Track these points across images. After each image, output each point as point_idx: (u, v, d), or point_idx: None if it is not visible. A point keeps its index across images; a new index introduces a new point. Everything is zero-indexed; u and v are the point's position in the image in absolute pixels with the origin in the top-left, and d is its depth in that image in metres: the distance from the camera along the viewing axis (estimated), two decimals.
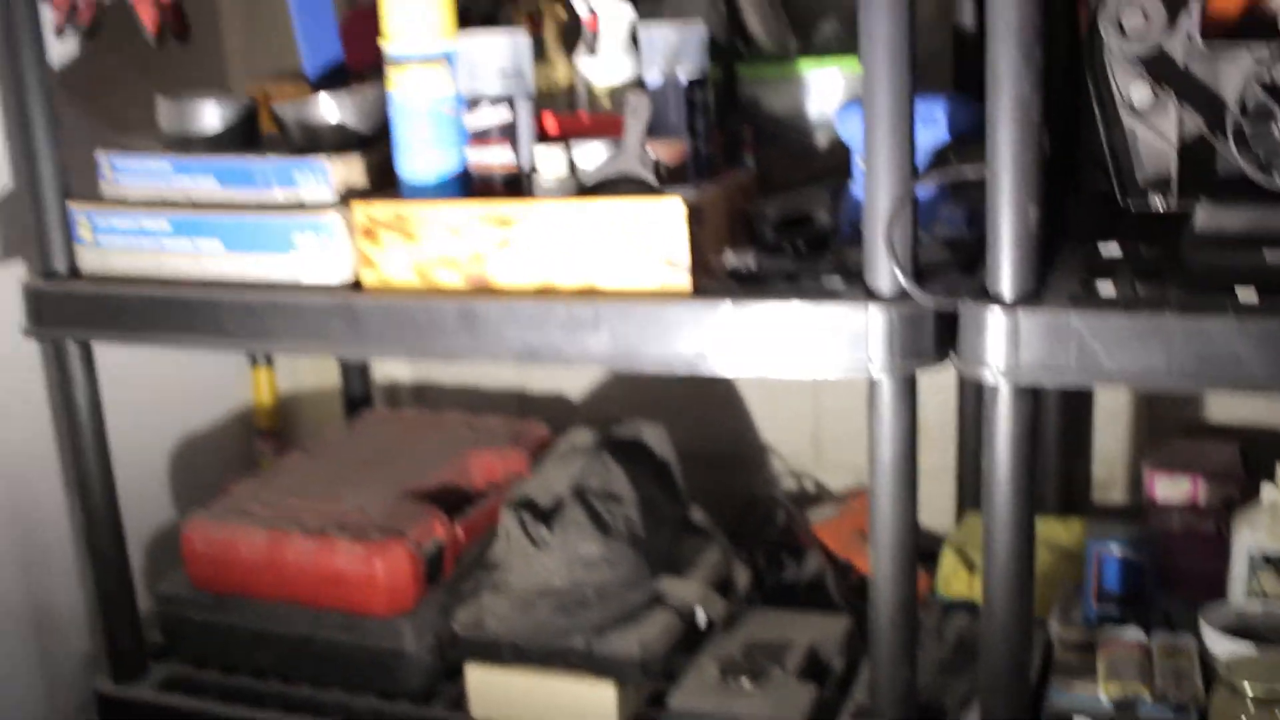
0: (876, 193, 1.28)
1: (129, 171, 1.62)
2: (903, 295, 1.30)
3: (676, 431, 1.93)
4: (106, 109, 2.01)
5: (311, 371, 2.38)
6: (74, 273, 1.65)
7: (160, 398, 2.15)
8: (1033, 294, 1.26)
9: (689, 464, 1.90)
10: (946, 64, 1.81)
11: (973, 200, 1.44)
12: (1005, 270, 1.25)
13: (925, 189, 1.44)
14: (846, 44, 1.73)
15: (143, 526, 2.11)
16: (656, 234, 1.36)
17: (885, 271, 1.30)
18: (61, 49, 1.91)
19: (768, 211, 1.52)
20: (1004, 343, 1.25)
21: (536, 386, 2.27)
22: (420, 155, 1.48)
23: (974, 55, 1.78)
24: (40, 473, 1.94)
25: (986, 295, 1.27)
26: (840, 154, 1.60)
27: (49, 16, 1.70)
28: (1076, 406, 1.95)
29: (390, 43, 1.47)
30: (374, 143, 1.57)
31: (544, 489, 1.70)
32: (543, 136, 1.53)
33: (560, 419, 2.12)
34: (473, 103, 1.46)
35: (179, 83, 2.05)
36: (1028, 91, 1.20)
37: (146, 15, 1.79)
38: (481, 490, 1.92)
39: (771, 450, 2.17)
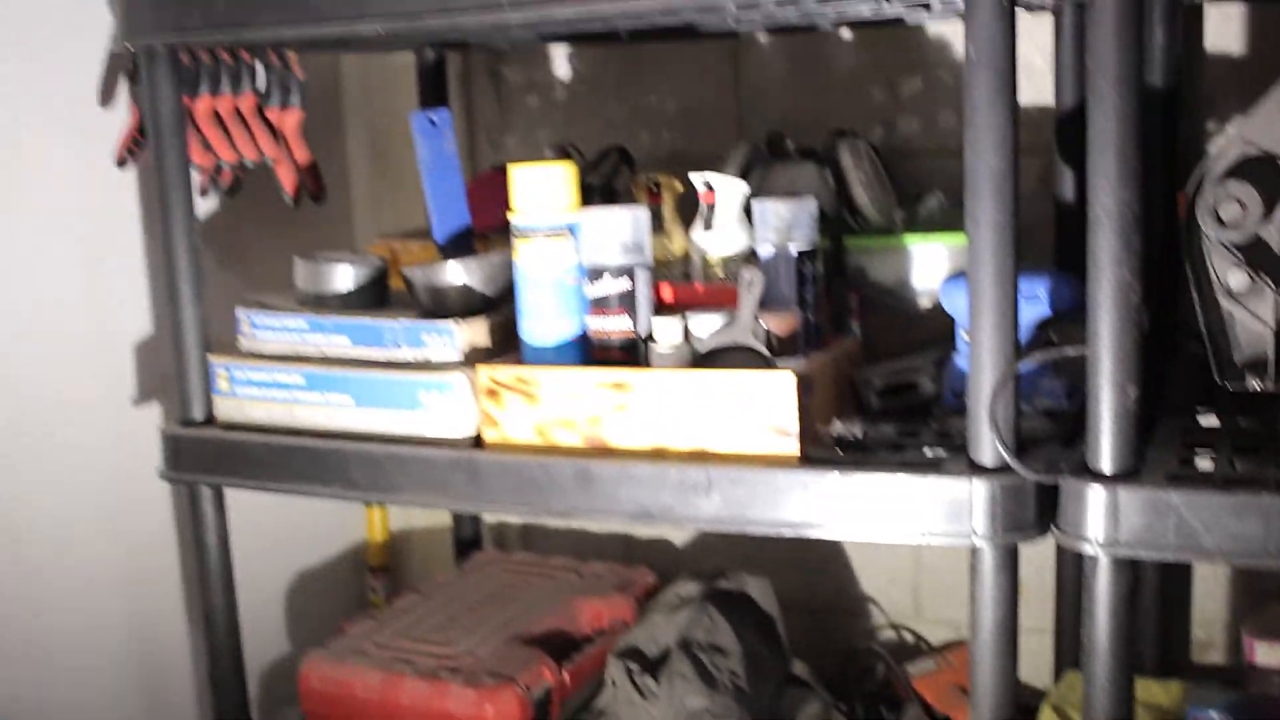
0: (980, 368, 1.33)
1: (267, 328, 1.71)
2: (1005, 468, 1.34)
3: (778, 581, 1.98)
4: (242, 261, 2.12)
5: (423, 511, 2.46)
6: (210, 421, 1.74)
7: (279, 533, 2.24)
8: (1132, 470, 1.30)
9: (790, 613, 1.95)
10: (1048, 233, 1.88)
11: (1074, 373, 1.48)
12: (1105, 447, 1.29)
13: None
14: (951, 217, 1.79)
15: (258, 659, 2.18)
16: (767, 403, 1.42)
17: (988, 445, 1.35)
18: (204, 207, 2.03)
19: (873, 379, 1.58)
20: (1103, 518, 1.29)
21: (643, 532, 2.33)
22: (542, 321, 1.56)
23: (1075, 226, 1.85)
24: (166, 606, 2.03)
25: (1087, 470, 1.31)
26: (944, 322, 1.67)
27: (195, 177, 1.81)
28: (1176, 568, 1.96)
29: (517, 215, 1.55)
30: (498, 305, 1.65)
31: (650, 639, 1.75)
32: (660, 305, 1.60)
33: (666, 566, 2.17)
34: (594, 273, 1.53)
35: (310, 238, 2.17)
36: (1127, 277, 1.25)
37: (285, 178, 1.90)
38: (588, 636, 1.96)
39: (872, 602, 2.20)
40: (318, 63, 2.28)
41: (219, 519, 1.77)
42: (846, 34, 2.06)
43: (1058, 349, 1.38)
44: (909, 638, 2.19)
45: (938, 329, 1.71)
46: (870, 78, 2.05)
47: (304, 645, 2.26)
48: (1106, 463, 1.30)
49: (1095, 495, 1.29)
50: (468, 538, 2.37)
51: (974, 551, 1.37)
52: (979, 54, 1.29)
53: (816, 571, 2.20)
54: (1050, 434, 1.47)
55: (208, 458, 1.72)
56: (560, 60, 2.26)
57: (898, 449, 1.46)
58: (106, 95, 1.90)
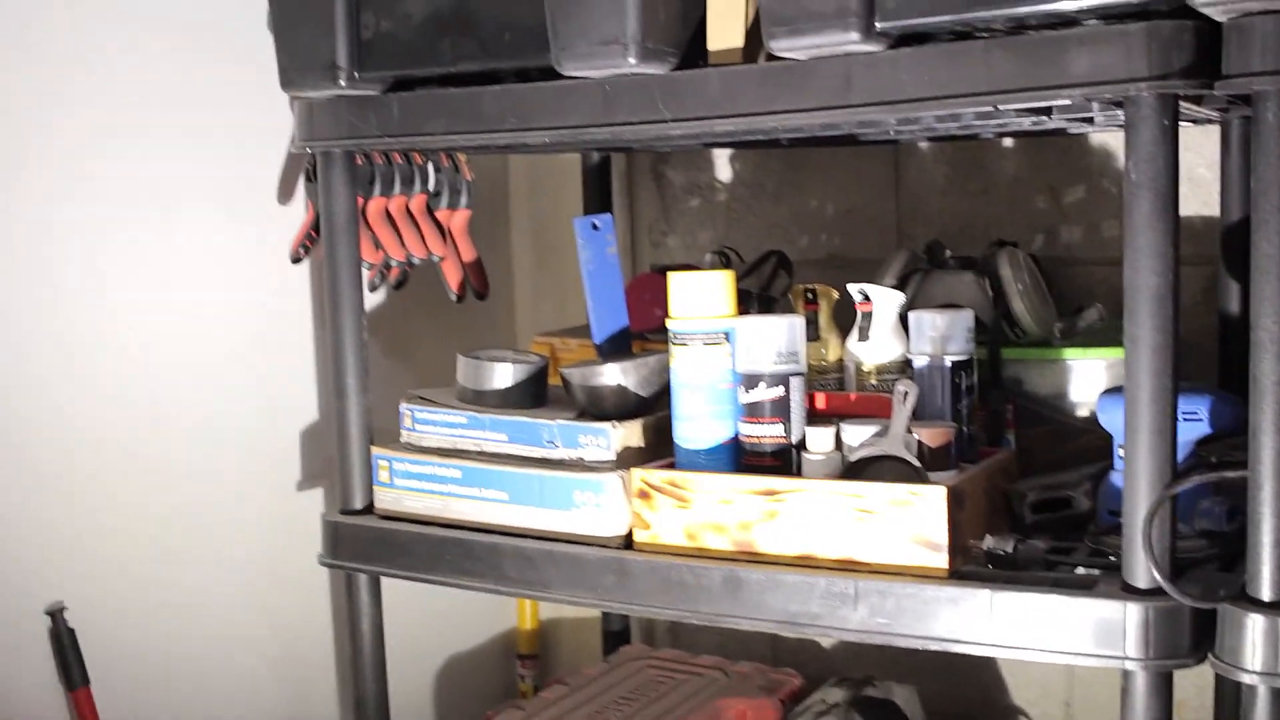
0: (1136, 489, 1.32)
1: (428, 423, 1.76)
2: (1160, 591, 1.32)
3: (926, 686, 1.96)
4: (408, 352, 2.18)
5: None
6: (370, 510, 1.79)
7: (431, 617, 2.28)
8: None
9: None
10: (1211, 345, 1.85)
11: (1235, 494, 1.45)
12: (1265, 574, 1.26)
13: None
14: (1111, 330, 1.78)
15: None
16: (918, 516, 1.42)
17: (1143, 567, 1.32)
18: (373, 298, 2.09)
19: (1027, 493, 1.56)
20: (1263, 647, 1.26)
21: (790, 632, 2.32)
22: (696, 425, 1.58)
23: (1240, 341, 1.82)
24: (319, 689, 2.08)
25: (1246, 597, 1.28)
26: (1101, 437, 1.65)
27: (364, 273, 1.88)
28: None
29: (674, 321, 1.58)
30: (653, 406, 1.67)
31: None
32: (813, 412, 1.61)
33: (813, 668, 2.16)
34: (749, 380, 1.55)
35: (475, 330, 2.23)
36: None
37: (451, 275, 1.95)
38: None
39: (1022, 714, 2.16)
40: (487, 161, 2.35)
41: (374, 606, 1.81)
42: (1008, 141, 2.06)
43: (1217, 471, 1.35)
44: None
45: (1094, 444, 1.69)
46: (1032, 185, 2.04)
47: None
48: (1267, 590, 1.27)
49: (1255, 624, 1.26)
50: (616, 630, 2.38)
51: (1126, 675, 1.34)
52: (1140, 175, 1.29)
53: (965, 679, 2.17)
54: (1208, 556, 1.44)
55: (366, 546, 1.77)
56: (722, 163, 2.29)
57: (1050, 567, 1.45)
58: (285, 194, 1.98)
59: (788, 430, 1.55)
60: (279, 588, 2.01)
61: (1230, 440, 1.53)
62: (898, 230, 2.16)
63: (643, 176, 2.37)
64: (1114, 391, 1.56)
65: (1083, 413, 1.73)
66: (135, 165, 1.81)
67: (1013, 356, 1.75)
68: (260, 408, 1.98)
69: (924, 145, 2.12)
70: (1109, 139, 1.98)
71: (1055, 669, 2.12)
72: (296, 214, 2.00)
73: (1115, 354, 1.70)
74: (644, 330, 1.93)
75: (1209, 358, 1.85)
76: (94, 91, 1.76)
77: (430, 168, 1.96)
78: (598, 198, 2.26)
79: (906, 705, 1.85)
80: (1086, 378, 1.72)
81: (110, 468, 1.81)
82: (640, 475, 1.57)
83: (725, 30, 1.46)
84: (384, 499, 1.78)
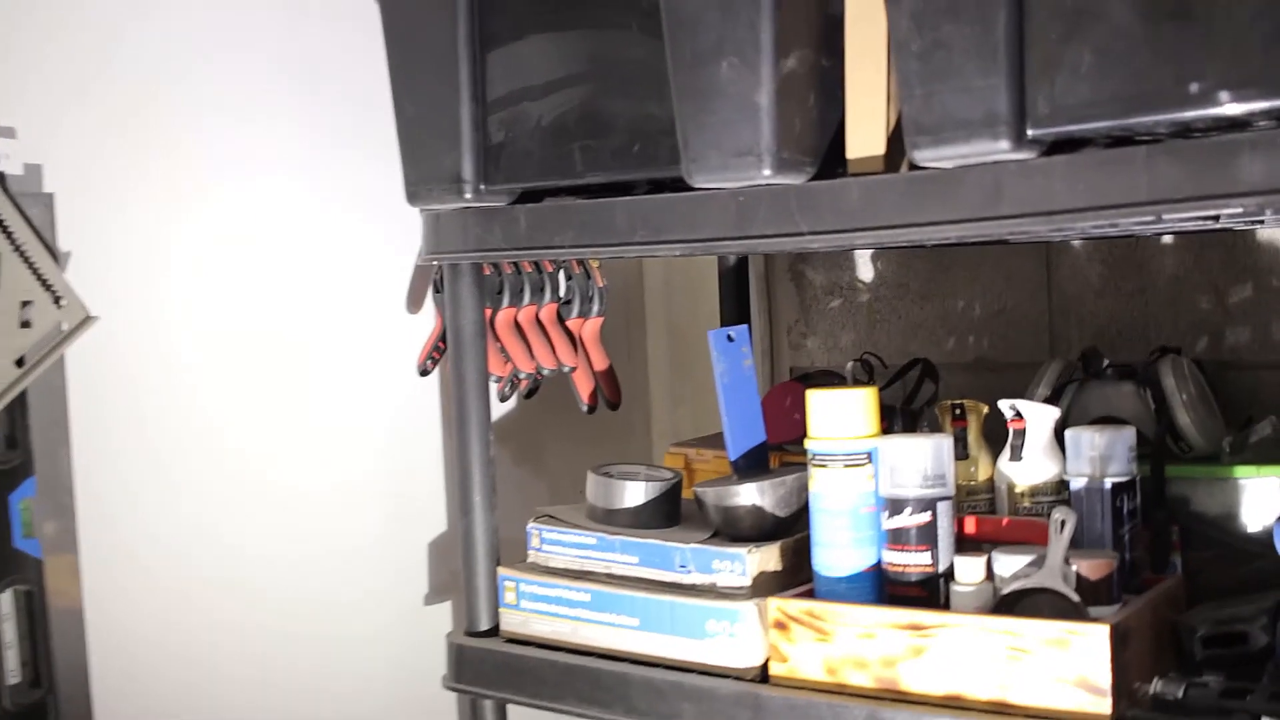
0: None
1: (556, 543, 1.69)
2: None
3: None
4: (539, 461, 2.13)
5: None
6: (496, 632, 1.73)
7: None
8: None
9: None
10: None
11: None
12: None
13: None
14: None
15: None
16: (1077, 657, 1.31)
17: None
18: (504, 407, 2.04)
19: (1198, 627, 1.44)
20: None
21: None
22: (837, 551, 1.49)
23: None
24: None
25: None
26: (1275, 563, 1.53)
27: (493, 386, 1.83)
28: None
29: (814, 441, 1.50)
30: (792, 526, 1.59)
31: None
32: (962, 537, 1.52)
33: None
34: (894, 505, 1.46)
35: (609, 439, 2.16)
36: None
37: (582, 386, 1.90)
38: None
39: None
40: (624, 266, 2.30)
41: None
42: (1167, 239, 1.95)
43: None
44: None
45: (1270, 569, 1.57)
46: (1194, 284, 1.93)
47: None
48: None
49: None
50: None
51: None
52: None
53: None
54: None
55: (492, 671, 1.70)
56: (864, 262, 2.21)
57: (1225, 714, 1.33)
58: (414, 304, 1.94)
59: (935, 558, 1.46)
60: (404, 711, 1.95)
61: None
62: (1050, 332, 2.05)
63: (781, 276, 2.29)
64: None
65: (1256, 534, 1.60)
66: (261, 276, 1.78)
67: (1178, 474, 1.63)
68: (388, 518, 1.93)
69: (1077, 244, 2.02)
70: (1278, 234, 1.86)
71: None
72: (426, 324, 1.95)
73: None
74: (784, 441, 1.85)
75: None
76: (229, 200, 1.74)
77: (561, 275, 1.90)
78: (734, 299, 2.19)
79: None
80: (1260, 497, 1.60)
81: (242, 582, 1.77)
82: (777, 605, 1.48)
83: (865, 137, 1.38)
84: (510, 621, 1.71)
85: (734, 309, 2.18)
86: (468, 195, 1.60)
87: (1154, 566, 1.58)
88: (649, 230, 1.51)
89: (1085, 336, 1.99)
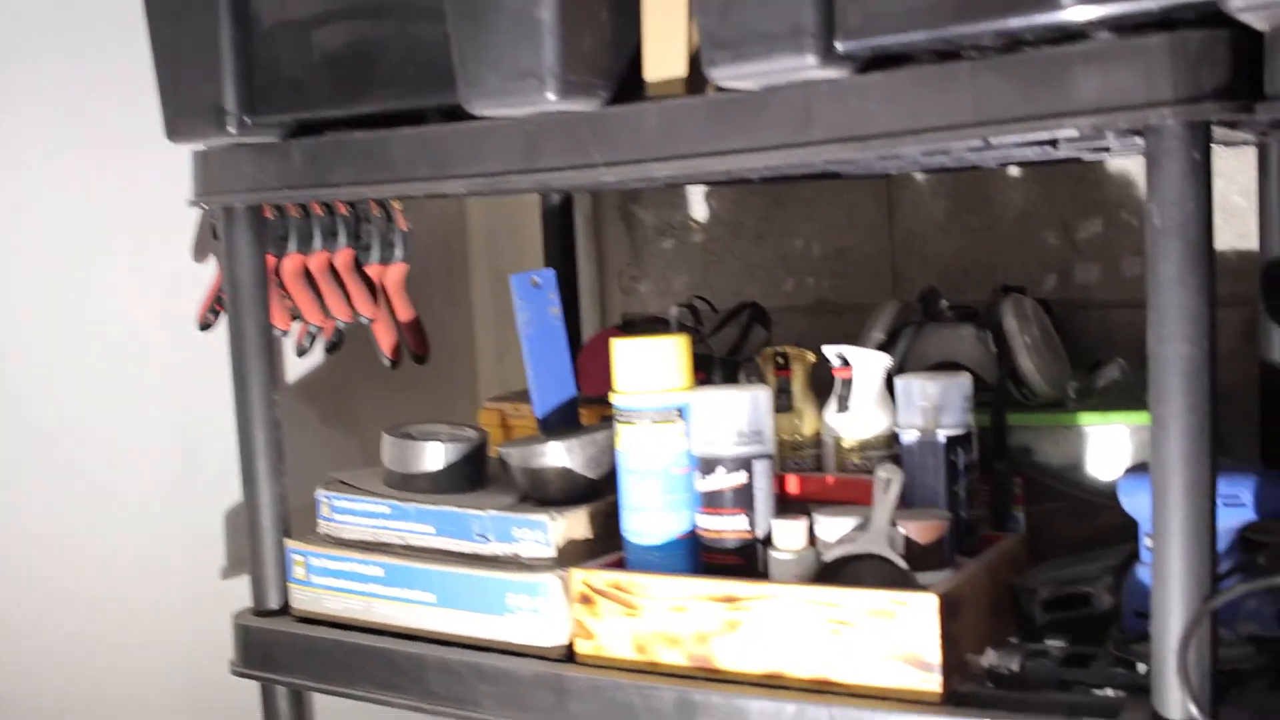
0: (1167, 605, 1.08)
1: (348, 512, 1.54)
2: None
3: None
4: (352, 422, 1.96)
5: None
6: (286, 610, 1.57)
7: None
8: None
9: None
10: (1251, 396, 1.62)
11: None
12: None
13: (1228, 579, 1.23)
14: (1135, 389, 1.54)
15: None
16: (904, 629, 1.18)
17: (1176, 698, 1.09)
18: (309, 362, 1.87)
19: (1039, 590, 1.33)
20: None
21: None
22: (646, 517, 1.35)
23: None
24: None
25: None
26: (1122, 516, 1.42)
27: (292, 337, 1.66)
28: None
29: (620, 396, 1.35)
30: (604, 488, 1.45)
31: None
32: (784, 498, 1.38)
33: None
34: (706, 465, 1.32)
35: (430, 395, 2.00)
36: None
37: (383, 338, 1.73)
38: None
39: None
40: (444, 207, 2.13)
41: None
42: (1015, 171, 1.82)
43: (1269, 577, 1.12)
44: None
45: (1117, 522, 1.46)
46: (1042, 220, 1.81)
47: None
48: None
49: None
50: None
51: None
52: (1166, 220, 1.05)
53: None
54: (1256, 669, 1.20)
55: (281, 653, 1.55)
56: (697, 200, 2.07)
57: (1064, 686, 1.21)
58: (200, 252, 1.76)
59: (752, 523, 1.32)
60: (206, 695, 1.78)
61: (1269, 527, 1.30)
62: (893, 272, 1.93)
63: (610, 216, 2.14)
64: (1139, 469, 1.33)
65: (1104, 485, 1.49)
66: (22, 226, 1.59)
67: (1021, 422, 1.51)
68: (179, 486, 1.75)
69: (920, 177, 1.89)
70: (1129, 165, 1.75)
71: None
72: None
73: (1141, 418, 1.47)
74: (606, 394, 1.70)
75: (1246, 410, 1.61)
76: None
77: (358, 220, 1.73)
78: (561, 241, 2.04)
79: None
80: (1108, 445, 1.49)
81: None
82: (581, 577, 1.34)
83: (664, 57, 1.23)
84: (301, 598, 1.55)
85: (559, 252, 2.02)
86: (231, 129, 1.43)
87: (995, 523, 1.46)
88: (432, 165, 1.35)
89: (930, 276, 1.87)
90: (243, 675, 1.58)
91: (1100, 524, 1.48)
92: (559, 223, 2.04)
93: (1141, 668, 1.24)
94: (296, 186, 1.44)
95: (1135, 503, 1.30)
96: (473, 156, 1.32)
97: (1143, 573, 1.29)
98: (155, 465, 1.74)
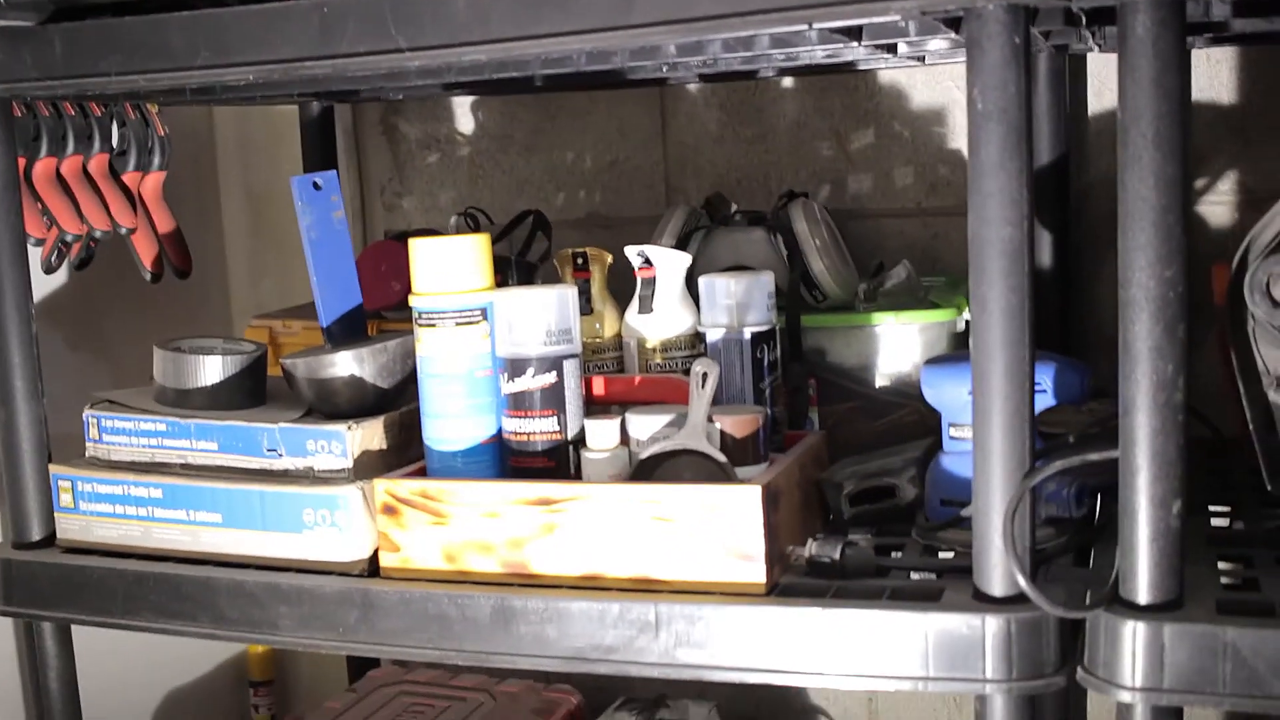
0: (989, 482, 1.10)
1: (119, 432, 1.44)
2: (1018, 600, 1.11)
3: (714, 692, 1.74)
4: (101, 346, 1.84)
5: None
6: (51, 542, 1.46)
7: (141, 651, 1.93)
8: (1175, 601, 1.07)
9: None
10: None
11: (1083, 475, 1.26)
12: (1142, 574, 1.06)
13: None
14: (919, 290, 1.57)
15: None
16: (726, 522, 1.17)
17: (1000, 574, 1.11)
18: (54, 281, 1.74)
19: (844, 484, 1.34)
20: (1144, 659, 1.06)
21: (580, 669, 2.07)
22: (451, 423, 1.30)
23: (1054, 300, 1.63)
24: None
25: (1120, 602, 1.07)
26: (915, 410, 1.44)
27: (37, 253, 1.54)
28: None
29: (419, 298, 1.30)
30: (396, 399, 1.39)
31: None
32: (590, 401, 1.35)
33: (590, 682, 1.91)
34: (513, 366, 1.28)
35: (181, 317, 1.90)
36: (1171, 371, 1.03)
37: (144, 250, 1.63)
38: None
39: (822, 714, 1.96)
40: (188, 114, 2.01)
41: (64, 657, 1.49)
42: (788, 82, 1.83)
43: (1079, 453, 1.14)
44: None
45: (907, 420, 1.49)
46: (815, 130, 1.82)
47: None
48: (1143, 592, 1.07)
49: (1135, 633, 1.06)
50: None
51: (982, 700, 1.13)
52: (987, 104, 1.06)
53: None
54: (1059, 548, 1.24)
55: (47, 588, 1.44)
56: (463, 112, 2.01)
57: (881, 573, 1.22)
58: None
59: (563, 424, 1.29)
60: None
61: (1069, 411, 1.34)
62: (666, 184, 1.91)
63: (372, 130, 2.06)
64: (940, 361, 1.35)
65: (895, 384, 1.51)
66: None
67: (814, 324, 1.52)
68: None
69: (693, 88, 1.88)
70: (900, 76, 1.77)
71: None
72: None
73: (930, 317, 1.50)
74: (381, 308, 1.64)
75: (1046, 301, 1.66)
76: None
77: (113, 122, 1.62)
78: (320, 156, 1.95)
79: None
80: (898, 345, 1.51)
81: None
82: (384, 486, 1.28)
83: None
84: (68, 528, 1.45)
85: (319, 168, 1.92)
86: None
87: (790, 422, 1.46)
88: (214, 51, 1.25)
89: (704, 187, 1.86)
90: (4, 613, 1.47)
91: (893, 422, 1.50)
92: (318, 137, 1.95)
93: (946, 555, 1.28)
94: (58, 78, 1.33)
95: (939, 393, 1.31)
96: (261, 41, 1.23)
97: (948, 462, 1.31)
98: None
